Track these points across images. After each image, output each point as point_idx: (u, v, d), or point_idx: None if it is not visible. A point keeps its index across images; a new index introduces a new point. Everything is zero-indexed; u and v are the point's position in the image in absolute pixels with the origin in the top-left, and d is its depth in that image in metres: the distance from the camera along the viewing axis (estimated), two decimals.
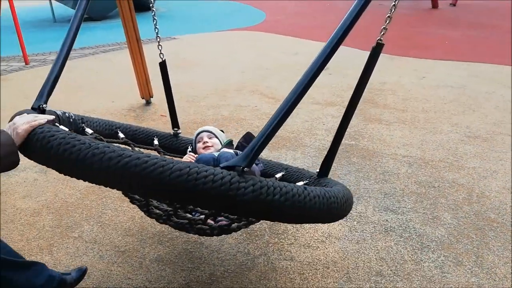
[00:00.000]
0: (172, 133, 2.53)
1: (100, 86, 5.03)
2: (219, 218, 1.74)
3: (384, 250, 2.31)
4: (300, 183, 1.96)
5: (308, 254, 2.29)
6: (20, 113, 1.46)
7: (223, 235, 2.08)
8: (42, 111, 1.56)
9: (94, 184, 3.01)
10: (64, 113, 1.91)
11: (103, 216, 2.63)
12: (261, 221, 2.56)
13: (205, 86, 4.89)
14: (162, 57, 2.49)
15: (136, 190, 1.36)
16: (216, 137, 2.30)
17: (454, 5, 10.24)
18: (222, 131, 2.44)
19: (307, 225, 2.52)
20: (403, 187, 2.89)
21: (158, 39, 2.51)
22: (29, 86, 4.91)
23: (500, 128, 3.75)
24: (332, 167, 1.98)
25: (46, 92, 1.61)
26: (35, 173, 3.14)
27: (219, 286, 2.09)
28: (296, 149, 3.42)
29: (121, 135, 2.23)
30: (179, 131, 2.56)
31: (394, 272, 2.15)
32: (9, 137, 1.22)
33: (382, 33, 1.61)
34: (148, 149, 2.34)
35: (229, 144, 2.29)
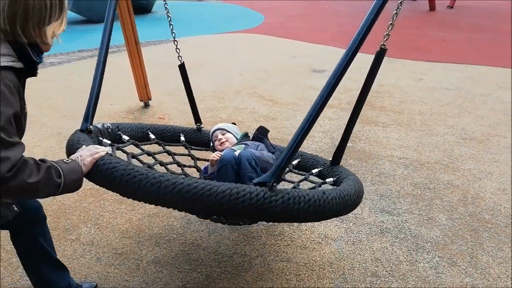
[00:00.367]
0: (195, 127, 2.74)
1: None
2: None
3: (380, 251, 2.33)
4: (315, 170, 2.16)
5: (304, 255, 2.31)
6: (76, 139, 1.74)
7: (218, 239, 2.11)
8: (90, 131, 1.90)
9: (91, 187, 3.03)
10: (103, 125, 2.18)
11: (101, 219, 2.65)
12: (258, 223, 2.59)
13: (204, 88, 4.92)
14: (180, 59, 2.68)
15: (189, 211, 1.66)
16: (229, 132, 2.49)
17: (452, 7, 10.30)
18: (234, 123, 2.64)
19: (303, 227, 2.54)
20: (399, 188, 2.92)
21: (176, 43, 2.69)
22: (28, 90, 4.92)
23: (496, 130, 3.78)
24: None
25: (90, 114, 1.92)
26: None
27: (216, 287, 2.11)
28: None
29: (152, 136, 2.44)
30: (202, 125, 2.76)
31: (389, 273, 2.17)
32: (79, 166, 1.47)
33: (385, 38, 1.73)
34: (176, 146, 2.56)
35: (245, 136, 2.48)
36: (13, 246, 1.79)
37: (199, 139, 2.68)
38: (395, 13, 1.69)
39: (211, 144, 2.59)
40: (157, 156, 2.24)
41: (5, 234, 1.86)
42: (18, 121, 1.31)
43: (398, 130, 3.82)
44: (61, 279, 1.86)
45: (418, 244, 2.37)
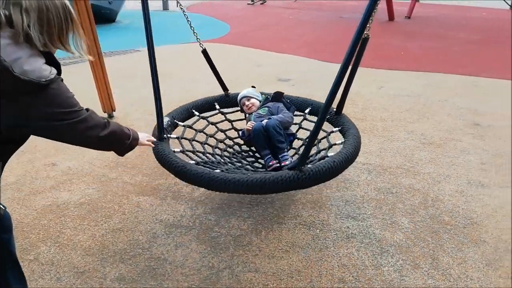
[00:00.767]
0: (224, 94, 3.39)
1: None
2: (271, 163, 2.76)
3: (346, 257, 2.37)
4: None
5: (272, 265, 2.31)
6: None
7: (185, 252, 2.05)
8: (168, 139, 2.64)
9: (51, 204, 2.91)
10: (168, 121, 2.80)
11: (61, 236, 2.54)
12: (226, 234, 2.56)
13: (170, 98, 4.85)
14: (202, 46, 3.27)
15: (252, 194, 2.68)
16: (252, 97, 3.15)
17: (409, 17, 10.79)
18: (253, 86, 3.28)
19: (271, 236, 2.54)
20: (363, 194, 2.99)
21: (199, 41, 3.24)
22: None
23: (452, 135, 3.96)
24: None
25: (163, 125, 2.54)
26: None
27: None
28: None
29: (196, 113, 3.18)
30: (229, 92, 3.40)
31: (356, 278, 2.21)
32: (137, 136, 1.90)
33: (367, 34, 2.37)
34: (214, 114, 3.29)
35: (265, 100, 3.15)
36: None
37: (229, 103, 3.38)
38: (368, 26, 2.16)
39: (240, 108, 3.28)
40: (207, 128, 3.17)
41: None
42: None
43: (361, 137, 3.91)
44: None
45: (383, 248, 2.43)
